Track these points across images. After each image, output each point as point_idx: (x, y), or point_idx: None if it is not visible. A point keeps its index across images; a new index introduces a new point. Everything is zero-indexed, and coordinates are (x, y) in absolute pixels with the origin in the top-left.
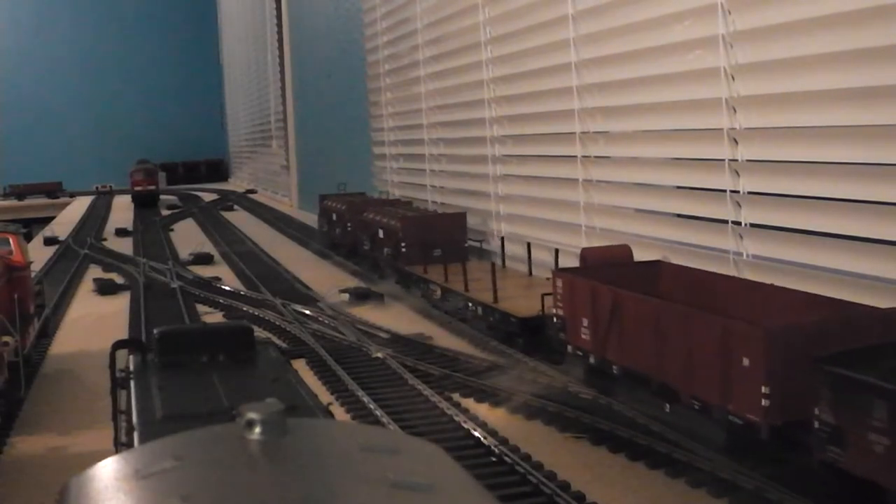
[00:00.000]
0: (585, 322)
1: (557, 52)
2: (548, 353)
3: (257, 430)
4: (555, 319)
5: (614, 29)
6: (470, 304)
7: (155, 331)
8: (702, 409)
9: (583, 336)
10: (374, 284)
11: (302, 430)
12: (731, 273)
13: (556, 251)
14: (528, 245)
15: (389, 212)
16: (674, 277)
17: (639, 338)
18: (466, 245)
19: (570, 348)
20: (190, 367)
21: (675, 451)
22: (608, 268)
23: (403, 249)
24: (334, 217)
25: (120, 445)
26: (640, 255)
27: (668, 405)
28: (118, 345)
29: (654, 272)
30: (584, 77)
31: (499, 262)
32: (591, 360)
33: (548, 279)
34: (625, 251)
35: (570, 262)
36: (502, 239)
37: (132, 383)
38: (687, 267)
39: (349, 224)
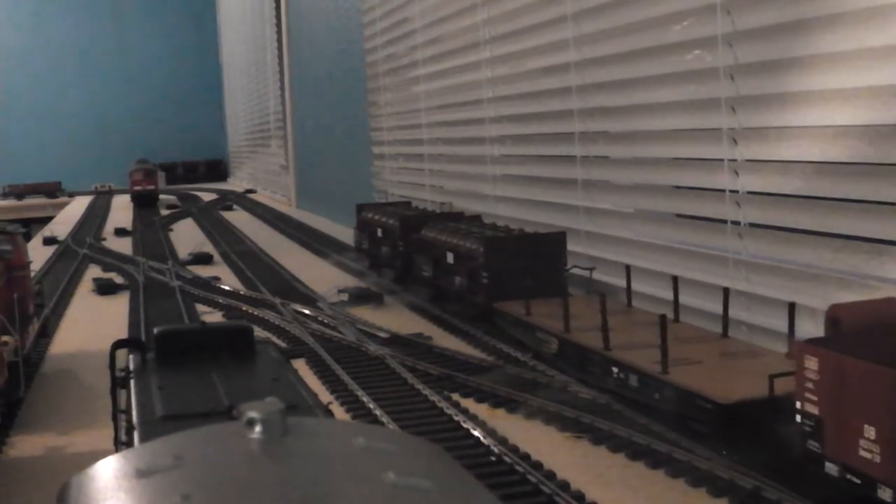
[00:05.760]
0: (871, 432)
1: (556, 52)
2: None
3: (257, 428)
4: (799, 418)
5: (614, 29)
6: (617, 371)
7: (154, 330)
8: None
9: (862, 453)
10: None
11: (302, 429)
12: (730, 272)
13: (793, 307)
14: (675, 280)
15: (458, 230)
16: None
17: None
18: (567, 274)
19: (831, 467)
20: (189, 367)
21: (674, 451)
22: (876, 334)
23: (485, 280)
24: (379, 233)
25: (120, 445)
26: (644, 258)
27: None
28: (118, 344)
29: None
30: (582, 77)
31: (604, 296)
32: (886, 494)
33: (769, 352)
34: (893, 307)
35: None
36: (628, 268)
37: (132, 383)
38: None
39: (401, 243)
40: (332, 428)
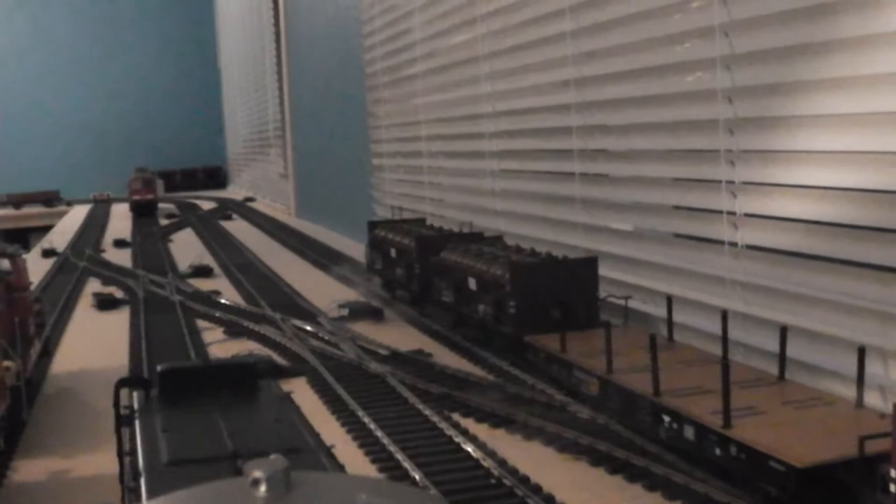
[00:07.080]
0: None
1: (555, 69)
2: None
3: (262, 487)
4: (894, 488)
5: (612, 48)
6: (668, 420)
7: (158, 368)
8: None
9: None
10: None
11: (306, 485)
12: (726, 292)
13: (861, 350)
14: (724, 315)
15: (481, 253)
16: None
17: None
18: (600, 303)
19: None
20: (193, 406)
21: (672, 474)
22: None
23: (512, 309)
24: (393, 253)
25: (128, 490)
26: (638, 275)
27: None
28: (121, 383)
29: None
30: (581, 95)
31: (654, 336)
32: None
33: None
34: None
35: None
36: (669, 299)
37: (136, 423)
38: None
39: (417, 265)
40: (336, 482)
